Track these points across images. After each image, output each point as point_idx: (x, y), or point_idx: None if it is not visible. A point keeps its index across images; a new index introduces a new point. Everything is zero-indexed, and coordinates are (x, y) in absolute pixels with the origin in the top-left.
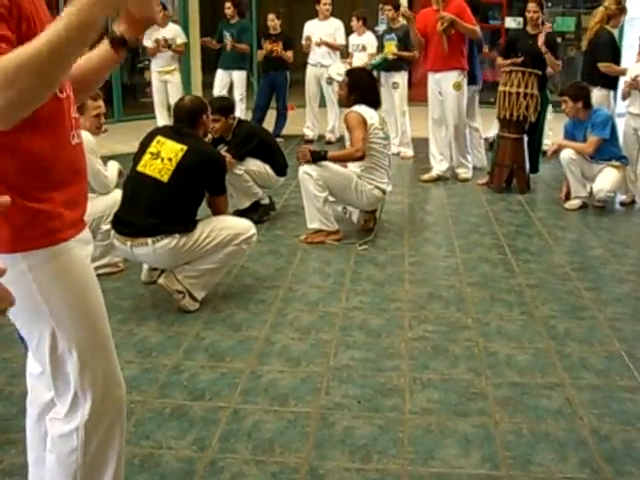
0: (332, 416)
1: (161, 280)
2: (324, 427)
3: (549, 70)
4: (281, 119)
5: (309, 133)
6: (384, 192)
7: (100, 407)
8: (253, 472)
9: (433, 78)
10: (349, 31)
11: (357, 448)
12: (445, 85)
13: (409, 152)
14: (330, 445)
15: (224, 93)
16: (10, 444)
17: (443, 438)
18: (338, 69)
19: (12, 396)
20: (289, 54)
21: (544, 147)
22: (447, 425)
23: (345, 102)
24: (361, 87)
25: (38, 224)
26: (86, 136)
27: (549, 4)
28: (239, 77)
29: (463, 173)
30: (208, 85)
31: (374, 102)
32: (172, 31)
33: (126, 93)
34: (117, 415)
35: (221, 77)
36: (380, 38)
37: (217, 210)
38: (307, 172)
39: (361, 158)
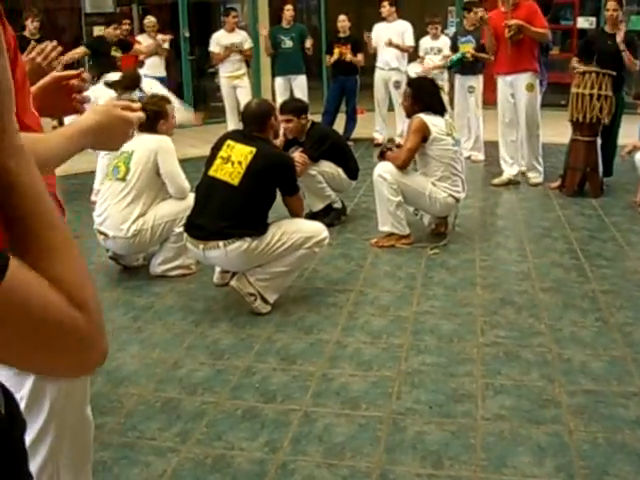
0: (403, 421)
1: (233, 283)
2: (395, 432)
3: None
4: (351, 123)
5: (378, 137)
6: (457, 200)
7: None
8: (324, 475)
9: (504, 81)
10: (419, 34)
11: (429, 453)
12: (518, 87)
13: (480, 156)
14: (401, 450)
15: None
16: None
17: (516, 445)
18: (415, 68)
19: None
20: (359, 57)
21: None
22: (520, 432)
23: (410, 112)
24: (424, 96)
25: None
26: (166, 140)
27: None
28: (299, 82)
29: (534, 177)
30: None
31: (439, 109)
32: (240, 36)
33: (197, 98)
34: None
35: (281, 84)
36: (453, 40)
37: (293, 209)
38: (382, 175)
39: (401, 168)
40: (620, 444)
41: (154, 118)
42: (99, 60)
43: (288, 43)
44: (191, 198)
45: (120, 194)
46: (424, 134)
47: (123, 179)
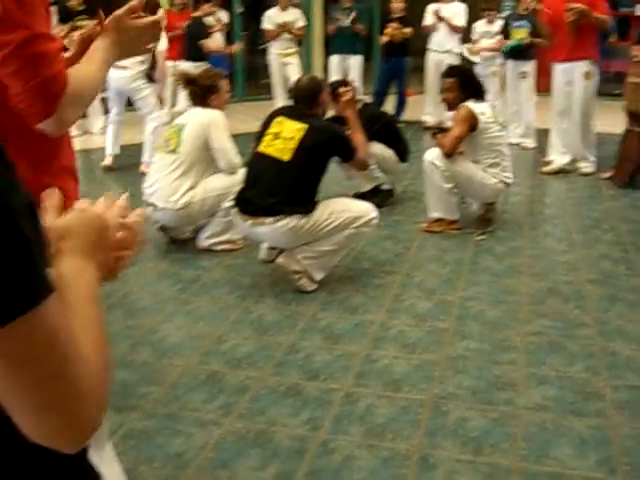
0: (445, 405)
1: (280, 259)
2: (437, 416)
3: None
4: (400, 105)
5: (429, 120)
6: (507, 185)
7: None
8: (364, 456)
9: (561, 68)
10: (473, 18)
11: (469, 440)
12: (575, 75)
13: (531, 143)
14: (442, 435)
15: None
16: (131, 409)
17: (558, 437)
18: (470, 49)
19: (134, 364)
20: (407, 30)
21: None
22: (562, 423)
23: (454, 103)
24: (471, 82)
25: None
26: (218, 114)
27: None
28: (356, 62)
29: (585, 167)
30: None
31: (482, 95)
32: (293, 14)
33: (248, 74)
34: None
35: (336, 63)
36: (505, 24)
37: (358, 168)
38: (433, 163)
39: (446, 156)
40: None
41: (206, 92)
42: None
43: (346, 22)
44: (241, 173)
45: (171, 166)
46: (472, 123)
47: (174, 151)
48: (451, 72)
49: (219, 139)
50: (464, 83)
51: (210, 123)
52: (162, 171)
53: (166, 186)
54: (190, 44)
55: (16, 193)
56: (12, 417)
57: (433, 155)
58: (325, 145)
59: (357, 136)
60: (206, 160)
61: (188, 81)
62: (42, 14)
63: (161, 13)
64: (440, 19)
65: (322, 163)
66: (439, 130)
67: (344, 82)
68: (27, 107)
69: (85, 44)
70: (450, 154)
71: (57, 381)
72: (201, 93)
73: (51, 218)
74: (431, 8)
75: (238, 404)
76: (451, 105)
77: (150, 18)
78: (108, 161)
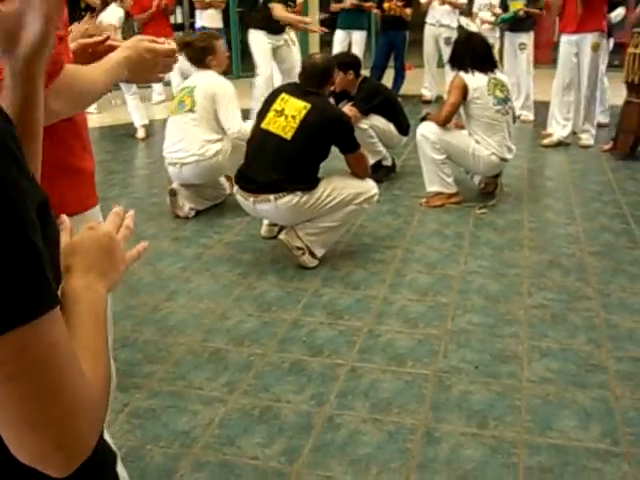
0: (449, 379)
1: (282, 236)
2: (441, 390)
3: None
4: (399, 79)
5: (427, 93)
6: (503, 159)
7: None
8: (370, 430)
9: (569, 40)
10: None
11: (473, 413)
12: (583, 47)
13: (530, 116)
14: (447, 408)
15: None
16: (136, 388)
17: (561, 409)
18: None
19: (137, 343)
20: (407, 11)
21: None
22: (565, 396)
23: (457, 65)
24: (474, 50)
25: (84, 185)
26: (222, 86)
27: None
28: (359, 37)
29: (586, 139)
30: (325, 44)
31: (486, 67)
32: None
33: (244, 50)
34: None
35: (340, 37)
36: None
37: (355, 168)
38: (424, 135)
39: (443, 124)
40: None
41: (202, 53)
42: None
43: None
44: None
45: (193, 122)
46: (464, 91)
47: (192, 110)
48: (458, 38)
49: (225, 110)
50: (464, 50)
51: (215, 96)
52: (186, 129)
53: (193, 141)
54: None
55: (32, 197)
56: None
57: (425, 128)
58: (328, 126)
59: None
60: (219, 123)
61: (184, 44)
62: None
63: (174, 45)
64: (443, 3)
65: (323, 146)
66: (428, 113)
67: (347, 54)
68: None
69: (85, 53)
70: (446, 122)
71: (49, 398)
72: (198, 55)
73: (64, 238)
74: None
75: (242, 381)
76: (454, 65)
77: (168, 46)
78: (142, 133)
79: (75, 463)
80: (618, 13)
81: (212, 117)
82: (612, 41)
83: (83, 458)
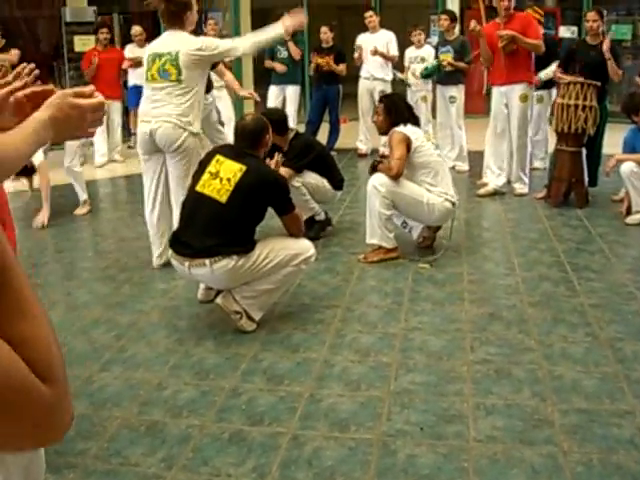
0: (394, 443)
1: (218, 300)
2: (386, 455)
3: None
4: (334, 133)
5: (362, 147)
6: (454, 204)
7: None
8: None
9: (499, 91)
10: (403, 44)
11: (420, 478)
12: (512, 98)
13: (465, 166)
14: (393, 474)
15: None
16: (68, 468)
17: (509, 468)
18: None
19: None
20: (341, 67)
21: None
22: (513, 454)
23: (385, 127)
24: (398, 108)
25: None
26: (204, 41)
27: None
28: (292, 92)
29: (520, 188)
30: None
31: (413, 122)
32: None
33: None
34: None
35: (275, 93)
36: (435, 50)
37: (291, 229)
38: (376, 187)
39: (395, 178)
40: (615, 465)
41: (184, 8)
42: None
43: (284, 53)
44: None
45: (176, 92)
46: (407, 144)
47: (177, 80)
48: (381, 99)
49: (212, 46)
50: (390, 109)
51: (200, 49)
52: (169, 99)
53: (176, 107)
54: None
55: None
56: None
57: (377, 180)
58: (264, 189)
59: None
60: (203, 84)
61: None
62: None
63: (101, 98)
64: (375, 53)
65: (259, 209)
66: (379, 162)
67: (273, 111)
68: None
69: (19, 108)
70: (397, 176)
71: (7, 393)
72: (177, 10)
73: None
74: (359, 40)
75: (181, 455)
76: (380, 128)
77: (94, 100)
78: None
79: (68, 427)
80: (547, 72)
81: (195, 83)
82: (554, 92)
83: (72, 420)
